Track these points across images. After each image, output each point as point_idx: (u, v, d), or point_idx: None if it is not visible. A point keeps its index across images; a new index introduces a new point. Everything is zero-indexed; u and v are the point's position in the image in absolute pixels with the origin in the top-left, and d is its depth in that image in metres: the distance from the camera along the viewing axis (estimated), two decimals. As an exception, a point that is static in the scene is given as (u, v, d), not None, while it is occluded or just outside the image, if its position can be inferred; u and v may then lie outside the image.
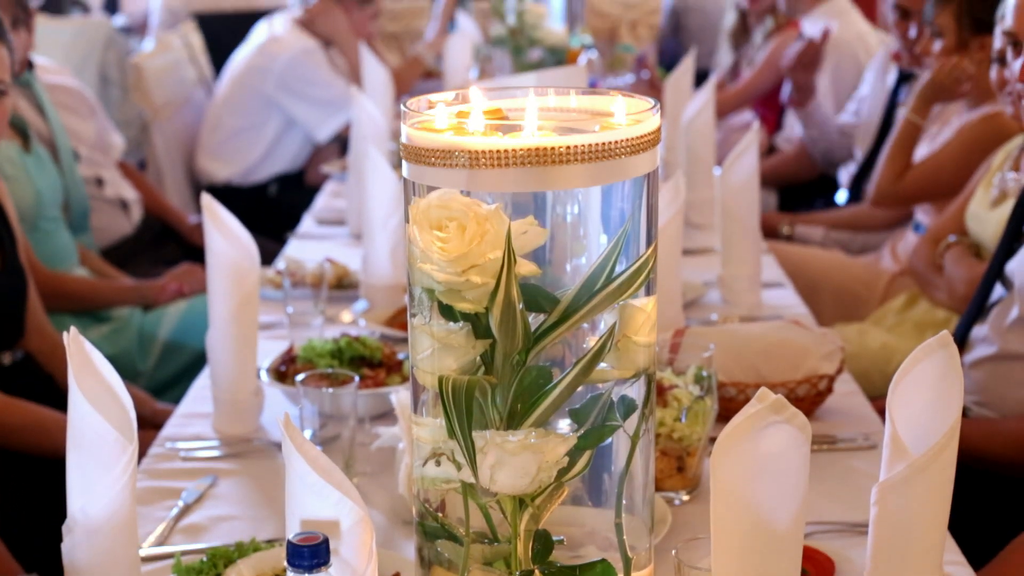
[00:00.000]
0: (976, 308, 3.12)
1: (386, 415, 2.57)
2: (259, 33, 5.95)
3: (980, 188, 3.50)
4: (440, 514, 1.50)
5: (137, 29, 8.71)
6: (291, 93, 5.71)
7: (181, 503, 2.25)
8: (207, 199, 2.51)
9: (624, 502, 1.52)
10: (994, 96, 3.79)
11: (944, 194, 3.93)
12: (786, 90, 5.82)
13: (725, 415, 2.19)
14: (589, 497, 1.53)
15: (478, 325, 1.40)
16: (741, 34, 6.50)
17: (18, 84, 4.15)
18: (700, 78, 5.09)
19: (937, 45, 4.02)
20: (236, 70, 5.84)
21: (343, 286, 3.39)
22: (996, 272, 3.07)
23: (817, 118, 5.26)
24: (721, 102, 5.98)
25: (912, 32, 4.47)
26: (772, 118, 6.10)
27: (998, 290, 3.07)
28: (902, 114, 4.23)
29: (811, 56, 5.11)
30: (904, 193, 4.11)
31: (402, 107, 1.45)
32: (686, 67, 4.69)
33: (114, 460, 1.59)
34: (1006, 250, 3.06)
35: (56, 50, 5.88)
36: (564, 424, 1.46)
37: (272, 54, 5.71)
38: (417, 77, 6.25)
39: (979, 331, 3.10)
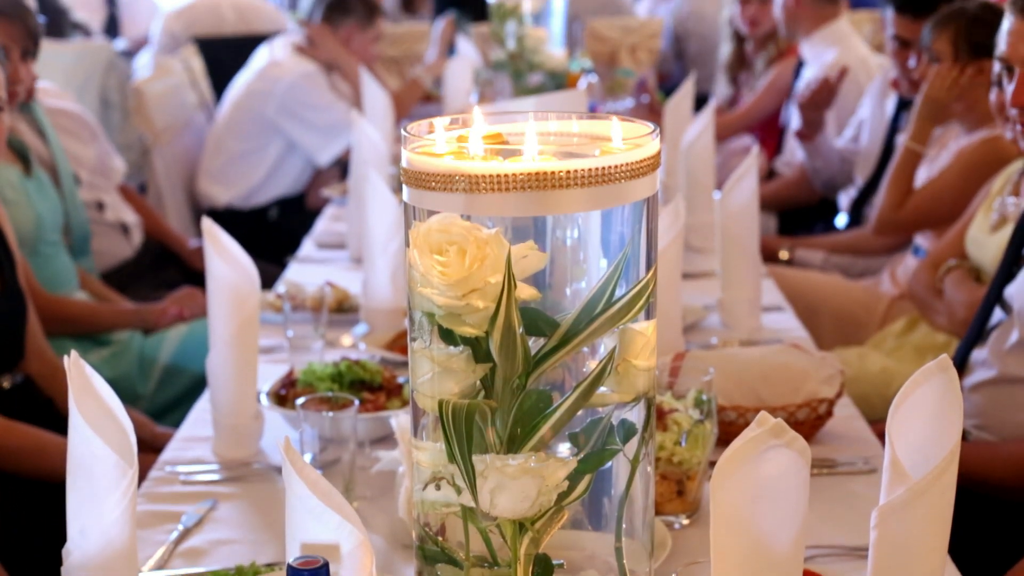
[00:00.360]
0: (975, 332, 3.13)
1: (386, 439, 2.57)
2: (260, 57, 5.96)
3: (980, 212, 3.50)
4: (440, 538, 1.50)
5: (136, 51, 8.74)
6: (292, 117, 5.73)
7: (181, 527, 2.24)
8: (208, 223, 2.52)
9: (624, 526, 1.52)
10: (992, 119, 3.80)
11: (946, 219, 3.93)
12: (788, 118, 5.84)
13: (725, 439, 2.19)
14: (589, 521, 1.53)
15: (478, 349, 1.40)
16: (737, 66, 6.51)
17: (20, 109, 4.17)
18: (700, 102, 5.10)
19: (933, 71, 4.04)
20: (237, 94, 5.85)
21: (343, 310, 3.39)
22: (995, 296, 3.08)
23: (823, 150, 5.27)
24: (721, 126, 5.99)
25: (912, 62, 4.49)
26: (772, 142, 6.11)
27: (997, 314, 3.08)
28: (903, 140, 4.24)
29: (825, 95, 5.13)
30: (906, 221, 4.12)
31: (402, 132, 1.46)
32: (686, 91, 4.70)
33: (114, 484, 1.59)
34: (1005, 274, 3.06)
35: (57, 74, 5.89)
36: (564, 448, 1.46)
37: (273, 78, 5.72)
38: (416, 100, 6.27)
39: (979, 355, 3.10)
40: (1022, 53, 3.01)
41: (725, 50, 6.56)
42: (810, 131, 5.24)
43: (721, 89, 6.79)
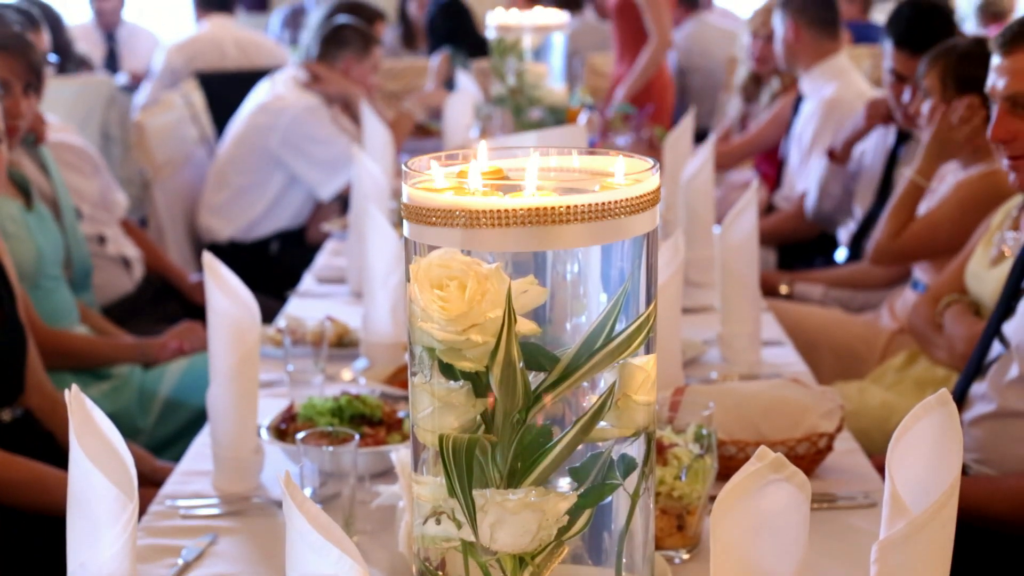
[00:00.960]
0: (974, 366, 3.13)
1: (386, 473, 2.57)
2: (262, 92, 5.98)
3: (979, 247, 3.51)
4: (440, 572, 1.50)
5: (137, 86, 8.77)
6: (295, 151, 5.74)
7: (181, 561, 2.24)
8: (209, 257, 2.52)
9: (624, 560, 1.52)
10: (988, 154, 3.82)
11: (942, 251, 3.94)
12: (787, 152, 5.84)
13: (725, 473, 2.20)
14: (589, 555, 1.53)
15: (478, 384, 1.40)
16: (752, 86, 6.53)
17: (23, 143, 4.18)
18: (700, 137, 5.11)
19: (926, 106, 4.08)
20: (239, 128, 5.87)
21: (343, 344, 3.39)
22: (994, 330, 3.09)
23: (843, 175, 5.29)
24: (723, 154, 6.01)
25: (906, 95, 4.53)
26: (771, 176, 6.12)
27: (996, 348, 3.08)
28: (902, 173, 4.25)
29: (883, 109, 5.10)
30: (902, 250, 4.13)
31: (403, 167, 1.47)
32: (685, 126, 4.71)
33: (114, 517, 1.59)
34: (1004, 308, 3.07)
35: (59, 108, 5.91)
36: (564, 482, 1.46)
37: (276, 112, 5.73)
38: (407, 133, 6.28)
39: (978, 388, 3.10)
40: (999, 89, 3.07)
41: (742, 71, 6.58)
42: (846, 154, 5.25)
43: (733, 107, 6.83)
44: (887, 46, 4.73)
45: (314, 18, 6.55)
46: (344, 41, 5.88)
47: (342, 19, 6.06)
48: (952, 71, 4.00)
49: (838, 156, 5.24)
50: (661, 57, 7.57)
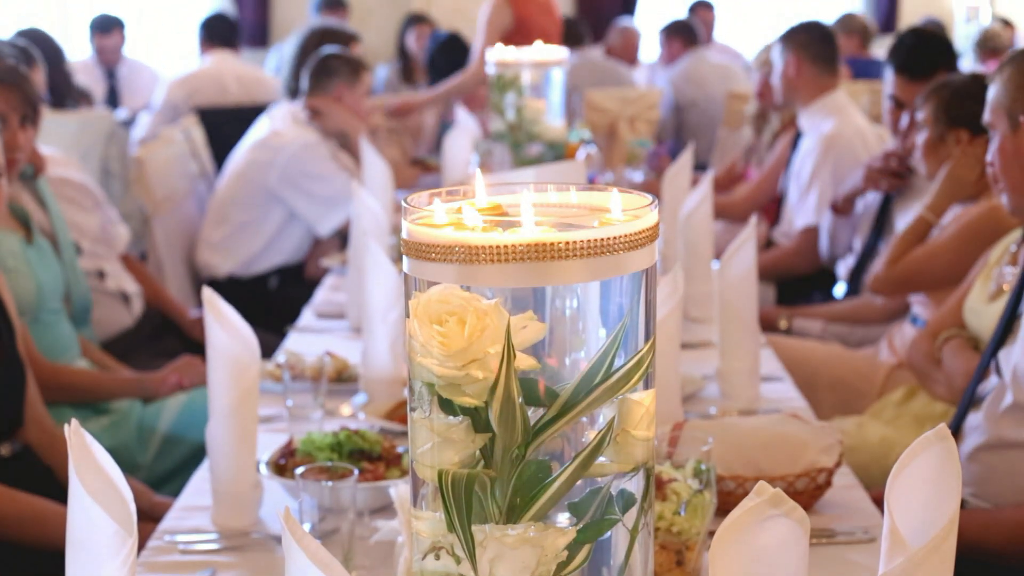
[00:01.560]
0: (970, 397, 3.14)
1: (385, 508, 2.57)
2: (260, 127, 5.98)
3: (978, 282, 3.52)
4: (439, 608, 1.50)
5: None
6: (294, 187, 5.74)
7: (179, 597, 2.24)
8: (208, 293, 2.53)
9: (623, 596, 1.52)
10: (988, 188, 3.84)
11: (940, 281, 3.96)
12: (786, 188, 5.85)
13: (724, 509, 2.20)
14: (588, 591, 1.53)
15: (478, 419, 1.41)
16: (761, 118, 6.55)
17: (22, 177, 4.19)
18: (698, 172, 5.13)
19: (920, 138, 4.13)
20: (238, 165, 5.87)
21: (343, 379, 3.39)
22: (990, 360, 3.10)
23: (849, 224, 5.32)
24: (729, 206, 6.00)
25: (904, 121, 4.59)
26: (770, 212, 6.13)
27: (992, 379, 3.09)
28: (902, 206, 4.28)
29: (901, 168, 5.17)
30: (900, 277, 4.14)
31: (402, 203, 1.47)
32: (684, 162, 4.72)
33: (113, 553, 1.58)
34: (1000, 339, 3.08)
35: (60, 142, 5.92)
36: (563, 518, 1.46)
37: (275, 148, 5.74)
38: (411, 177, 6.33)
39: (973, 419, 3.11)
40: (987, 119, 3.16)
41: (752, 105, 6.60)
42: (849, 206, 5.30)
43: (743, 139, 6.86)
44: (888, 73, 4.78)
45: (288, 50, 6.54)
46: (333, 71, 5.88)
47: (328, 49, 6.06)
48: (945, 105, 4.05)
49: (841, 209, 5.28)
50: (471, 84, 7.71)
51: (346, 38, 6.68)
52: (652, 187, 5.94)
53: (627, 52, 10.19)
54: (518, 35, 7.51)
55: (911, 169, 4.72)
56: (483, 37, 7.44)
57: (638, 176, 6.54)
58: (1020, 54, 3.20)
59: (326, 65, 5.89)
